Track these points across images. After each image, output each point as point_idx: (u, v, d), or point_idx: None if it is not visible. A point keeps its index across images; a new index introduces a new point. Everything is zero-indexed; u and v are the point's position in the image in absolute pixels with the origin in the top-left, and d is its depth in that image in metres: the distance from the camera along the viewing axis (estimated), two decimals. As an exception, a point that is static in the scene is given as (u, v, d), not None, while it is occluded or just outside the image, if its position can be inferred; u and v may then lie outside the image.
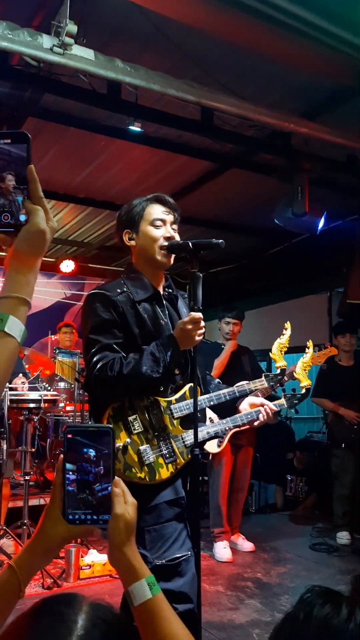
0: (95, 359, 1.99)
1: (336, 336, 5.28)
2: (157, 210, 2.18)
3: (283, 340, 2.35)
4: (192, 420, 2.00)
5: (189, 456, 2.05)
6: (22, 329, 0.94)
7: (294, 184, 4.17)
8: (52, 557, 0.97)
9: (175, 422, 2.07)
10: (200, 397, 2.15)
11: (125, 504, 0.95)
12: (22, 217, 0.94)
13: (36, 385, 4.81)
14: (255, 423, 2.24)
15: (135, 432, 2.01)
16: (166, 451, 2.03)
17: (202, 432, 2.15)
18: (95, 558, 4.03)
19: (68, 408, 4.59)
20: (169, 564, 1.92)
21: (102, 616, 0.73)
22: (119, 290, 2.10)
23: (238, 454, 4.80)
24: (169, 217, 2.19)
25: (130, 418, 2.02)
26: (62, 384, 4.76)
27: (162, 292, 2.24)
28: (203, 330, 2.05)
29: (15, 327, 0.92)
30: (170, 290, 2.30)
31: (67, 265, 7.27)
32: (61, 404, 4.52)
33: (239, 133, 4.01)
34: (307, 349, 2.44)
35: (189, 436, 2.08)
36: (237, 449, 4.77)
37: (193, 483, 2.04)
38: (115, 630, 0.73)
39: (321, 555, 4.70)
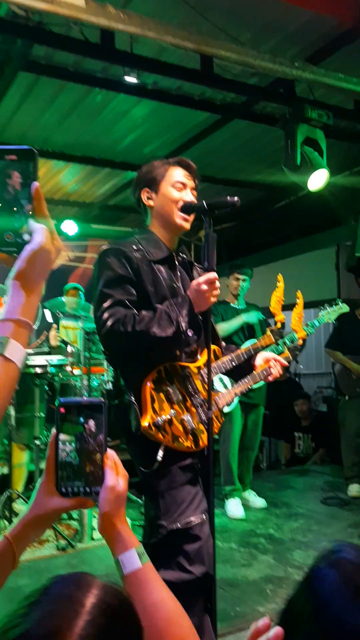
0: (106, 314, 1.93)
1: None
2: (179, 173, 2.15)
3: (278, 293, 2.37)
4: (208, 383, 1.97)
5: (223, 418, 2.16)
6: (24, 354, 0.91)
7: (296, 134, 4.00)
8: (45, 528, 1.00)
9: (207, 386, 2.05)
10: (223, 359, 2.22)
11: (117, 476, 0.96)
12: (26, 236, 0.92)
13: (43, 349, 4.77)
14: (270, 377, 2.26)
15: (177, 401, 2.01)
16: (204, 416, 2.04)
17: (231, 394, 2.24)
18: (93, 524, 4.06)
19: (75, 372, 4.57)
20: (183, 528, 1.92)
21: (110, 601, 0.71)
22: (134, 247, 2.06)
23: (249, 413, 4.79)
24: (190, 182, 2.17)
25: (170, 388, 2.01)
26: (68, 348, 4.73)
27: (175, 256, 2.20)
28: (218, 291, 2.01)
29: (16, 351, 0.89)
30: (184, 256, 2.25)
31: (69, 227, 7.14)
32: (68, 368, 4.50)
33: (241, 81, 3.84)
34: (297, 299, 2.45)
35: (220, 399, 2.17)
36: (248, 407, 4.76)
37: (208, 446, 2.02)
38: (121, 618, 0.72)
39: (332, 509, 4.73)
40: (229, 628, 2.76)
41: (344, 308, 2.84)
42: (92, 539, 3.87)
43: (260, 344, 2.33)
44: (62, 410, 0.95)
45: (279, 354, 2.37)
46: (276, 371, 2.24)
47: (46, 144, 5.07)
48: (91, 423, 0.95)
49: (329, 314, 2.78)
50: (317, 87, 3.87)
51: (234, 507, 4.55)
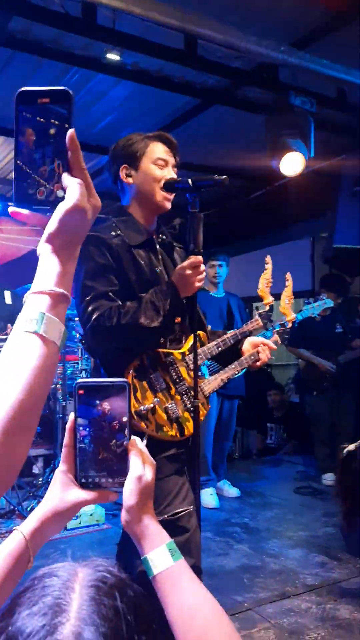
0: (90, 308, 1.84)
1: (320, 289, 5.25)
2: (160, 149, 2.04)
3: (267, 275, 2.31)
4: (194, 371, 1.90)
5: (209, 405, 2.09)
6: (62, 330, 0.78)
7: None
8: (64, 524, 0.88)
9: (192, 373, 1.98)
10: (209, 345, 2.13)
11: (143, 465, 0.86)
12: (60, 193, 0.78)
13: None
14: (258, 363, 2.19)
15: (160, 390, 1.94)
16: (190, 404, 1.96)
17: (217, 380, 2.15)
18: (83, 508, 3.98)
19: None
20: (170, 519, 1.86)
21: (96, 597, 0.62)
22: (113, 234, 1.95)
23: (224, 404, 4.76)
24: (171, 159, 2.06)
25: (153, 376, 1.94)
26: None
27: (156, 238, 2.10)
28: (204, 275, 1.95)
29: (54, 328, 0.76)
30: (164, 237, 2.16)
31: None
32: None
33: (224, 64, 3.76)
34: (286, 281, 2.39)
35: (205, 386, 2.09)
36: (225, 398, 4.73)
37: (194, 435, 1.96)
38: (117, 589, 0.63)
39: (306, 498, 4.76)
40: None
41: (328, 303, 2.81)
42: (66, 528, 3.79)
43: (248, 328, 2.26)
44: (80, 392, 0.85)
45: (268, 338, 2.31)
46: (265, 356, 2.18)
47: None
48: (114, 406, 0.85)
49: (313, 309, 2.75)
50: (301, 74, 3.82)
51: (208, 497, 4.52)
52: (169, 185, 1.99)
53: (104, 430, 0.85)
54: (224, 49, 3.41)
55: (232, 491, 4.79)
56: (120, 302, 1.88)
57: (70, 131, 0.78)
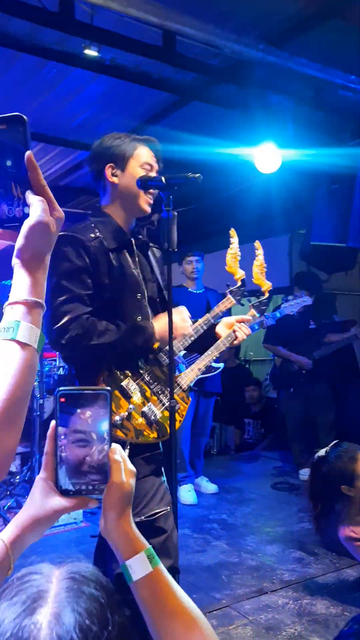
0: (64, 309, 1.83)
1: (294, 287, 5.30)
2: (146, 154, 2.05)
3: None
4: (169, 370, 1.90)
5: (189, 398, 2.11)
6: (37, 334, 0.86)
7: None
8: (44, 530, 0.88)
9: (165, 369, 1.98)
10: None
11: (124, 473, 0.87)
12: (26, 210, 0.87)
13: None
14: (235, 342, 2.20)
15: (134, 395, 1.92)
16: (167, 403, 1.95)
17: (194, 371, 2.15)
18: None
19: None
20: (147, 520, 1.87)
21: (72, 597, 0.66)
22: (92, 236, 1.94)
23: (200, 401, 4.77)
24: (155, 165, 2.07)
25: (124, 383, 1.92)
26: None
27: (134, 241, 2.09)
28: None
29: (29, 333, 0.85)
30: (140, 237, 2.14)
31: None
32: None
33: (202, 61, 3.75)
34: (256, 250, 2.38)
35: (182, 379, 2.10)
36: (200, 396, 4.73)
37: (171, 435, 1.96)
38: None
39: (283, 494, 4.80)
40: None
41: (307, 301, 2.82)
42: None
43: (219, 309, 2.22)
44: (62, 400, 0.86)
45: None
46: (241, 334, 2.18)
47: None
48: (95, 414, 0.86)
49: (292, 306, 2.75)
50: (279, 72, 3.82)
51: (186, 494, 4.54)
52: (142, 183, 1.99)
53: (84, 439, 0.86)
54: (202, 45, 3.40)
55: (210, 487, 4.81)
56: (96, 320, 1.87)
57: (28, 153, 0.87)
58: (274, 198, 5.92)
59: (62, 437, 0.86)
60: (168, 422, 1.96)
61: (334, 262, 5.43)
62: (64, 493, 0.86)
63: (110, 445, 0.87)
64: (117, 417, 1.85)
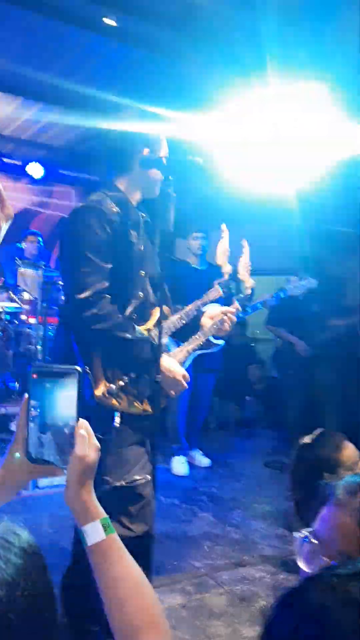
0: (89, 280, 1.90)
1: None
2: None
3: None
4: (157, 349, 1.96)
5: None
6: None
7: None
8: (14, 494, 0.97)
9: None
10: (172, 318, 2.20)
11: (88, 447, 0.94)
12: None
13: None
14: (221, 332, 2.27)
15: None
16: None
17: (182, 352, 2.21)
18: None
19: (31, 320, 4.51)
20: (127, 486, 1.96)
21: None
22: (114, 210, 2.00)
23: (197, 378, 4.81)
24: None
25: None
26: (25, 296, 4.64)
27: (142, 218, 2.16)
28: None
29: None
30: (143, 214, 2.20)
31: (35, 170, 6.89)
32: (23, 317, 4.43)
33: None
34: (242, 248, 2.40)
35: (176, 357, 2.18)
36: (199, 371, 4.78)
37: (155, 411, 2.03)
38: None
39: (274, 472, 4.86)
40: (164, 580, 2.85)
41: (312, 284, 2.80)
42: (37, 486, 3.89)
43: (208, 298, 2.30)
44: (34, 375, 0.94)
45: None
46: (227, 325, 2.25)
47: (15, 77, 4.83)
48: (64, 391, 0.93)
49: (296, 288, 2.75)
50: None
51: (178, 465, 4.64)
52: (143, 162, 2.07)
53: (53, 412, 0.93)
54: None
55: (203, 460, 4.90)
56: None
57: None
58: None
59: (33, 410, 0.93)
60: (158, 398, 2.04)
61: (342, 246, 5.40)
62: (33, 461, 0.93)
63: (77, 421, 0.94)
64: (112, 386, 1.95)
